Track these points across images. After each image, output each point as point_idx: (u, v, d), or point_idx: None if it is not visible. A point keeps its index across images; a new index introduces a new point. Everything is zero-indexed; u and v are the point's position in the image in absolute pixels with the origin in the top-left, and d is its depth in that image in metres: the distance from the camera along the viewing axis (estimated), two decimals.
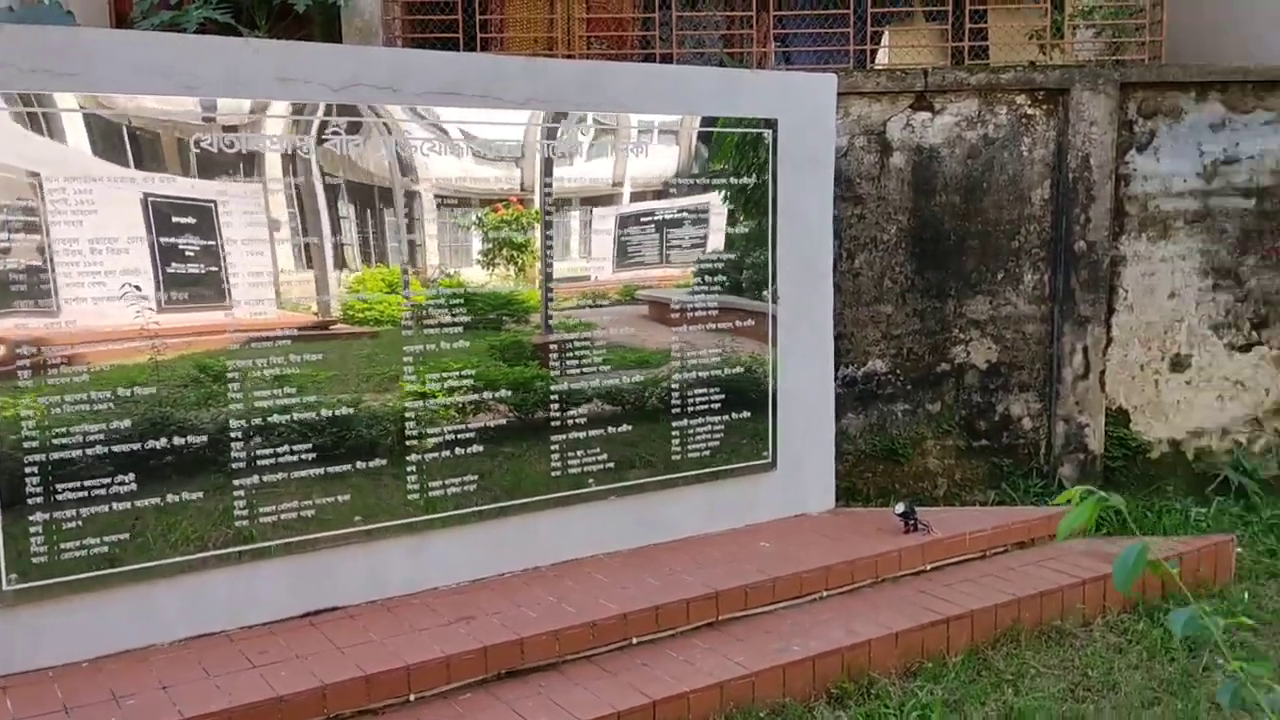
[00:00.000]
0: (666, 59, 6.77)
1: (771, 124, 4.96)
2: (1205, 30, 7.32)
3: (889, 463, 6.28)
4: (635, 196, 4.74)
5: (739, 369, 5.00)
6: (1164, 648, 4.34)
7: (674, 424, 4.82)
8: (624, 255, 4.74)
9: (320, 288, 4.03)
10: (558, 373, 4.53)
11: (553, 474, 4.53)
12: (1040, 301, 6.27)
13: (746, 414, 5.02)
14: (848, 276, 6.18)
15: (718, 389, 4.93)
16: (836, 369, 6.18)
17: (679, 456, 4.83)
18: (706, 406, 4.90)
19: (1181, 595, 4.89)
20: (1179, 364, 6.31)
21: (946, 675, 4.09)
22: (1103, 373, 6.25)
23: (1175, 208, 6.23)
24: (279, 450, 3.93)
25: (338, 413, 4.03)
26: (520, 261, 4.45)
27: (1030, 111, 6.18)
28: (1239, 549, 5.42)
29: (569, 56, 6.55)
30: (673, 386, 4.82)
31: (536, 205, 4.45)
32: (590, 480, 4.61)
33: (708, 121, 4.83)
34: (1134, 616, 4.69)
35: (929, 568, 4.82)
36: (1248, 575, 5.19)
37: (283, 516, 3.96)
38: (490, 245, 4.37)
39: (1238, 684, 1.71)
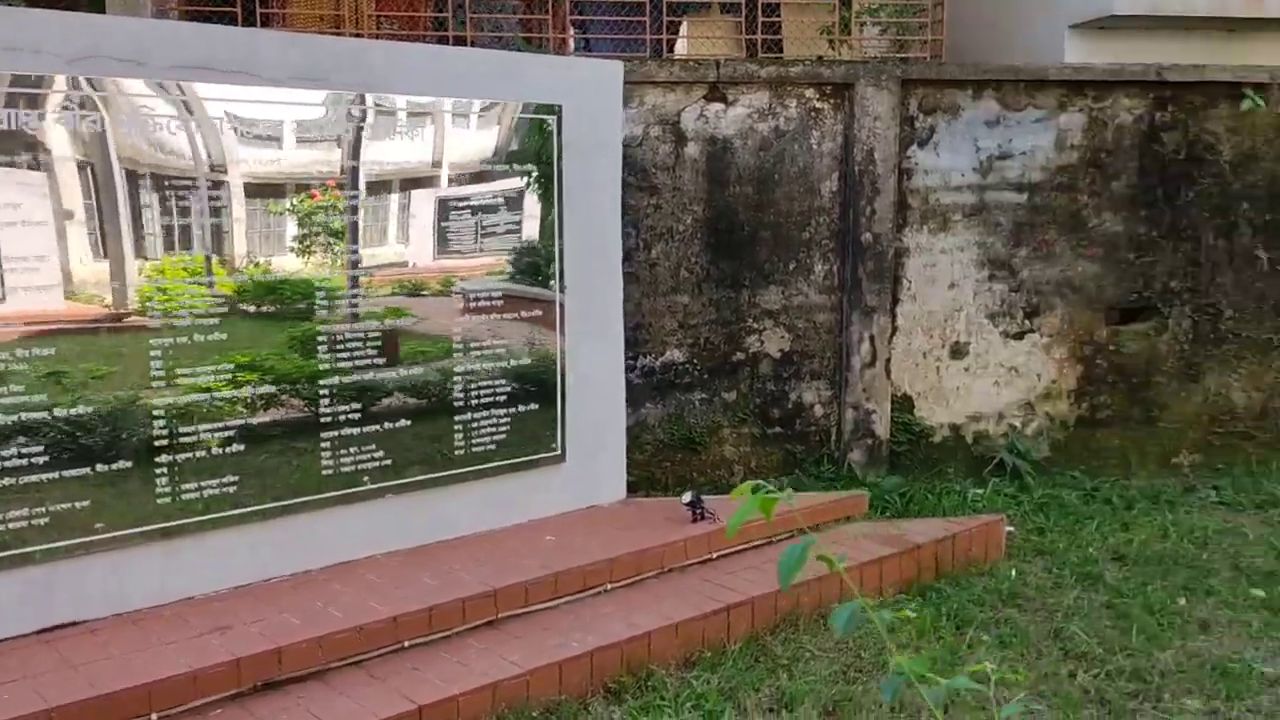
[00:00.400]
0: (460, 43, 6.59)
1: (555, 110, 4.87)
2: (984, 29, 7.68)
3: (687, 451, 6.31)
4: (411, 183, 4.56)
5: (526, 360, 4.89)
6: (933, 627, 4.49)
7: (457, 418, 4.68)
8: (402, 243, 4.56)
9: (66, 276, 3.70)
10: (327, 366, 4.31)
11: (324, 473, 4.31)
12: (830, 291, 6.42)
13: (534, 406, 4.92)
14: (645, 267, 6.16)
15: (503, 381, 4.82)
16: (634, 359, 6.17)
17: (463, 451, 4.69)
18: (492, 399, 4.78)
19: (953, 577, 5.10)
20: (958, 351, 6.58)
21: (725, 663, 4.10)
22: (889, 360, 6.46)
23: (954, 201, 6.48)
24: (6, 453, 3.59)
25: (75, 412, 3.70)
26: (305, 248, 4.21)
27: (819, 105, 6.31)
28: (1010, 528, 5.69)
29: (356, 36, 6.28)
30: (455, 379, 4.67)
31: (294, 189, 4.22)
32: (365, 478, 4.41)
33: (488, 106, 4.70)
34: (909, 597, 4.84)
35: (715, 556, 4.85)
36: (1017, 553, 5.44)
37: (11, 525, 3.61)
38: (237, 230, 4.11)
39: (900, 681, 1.71)
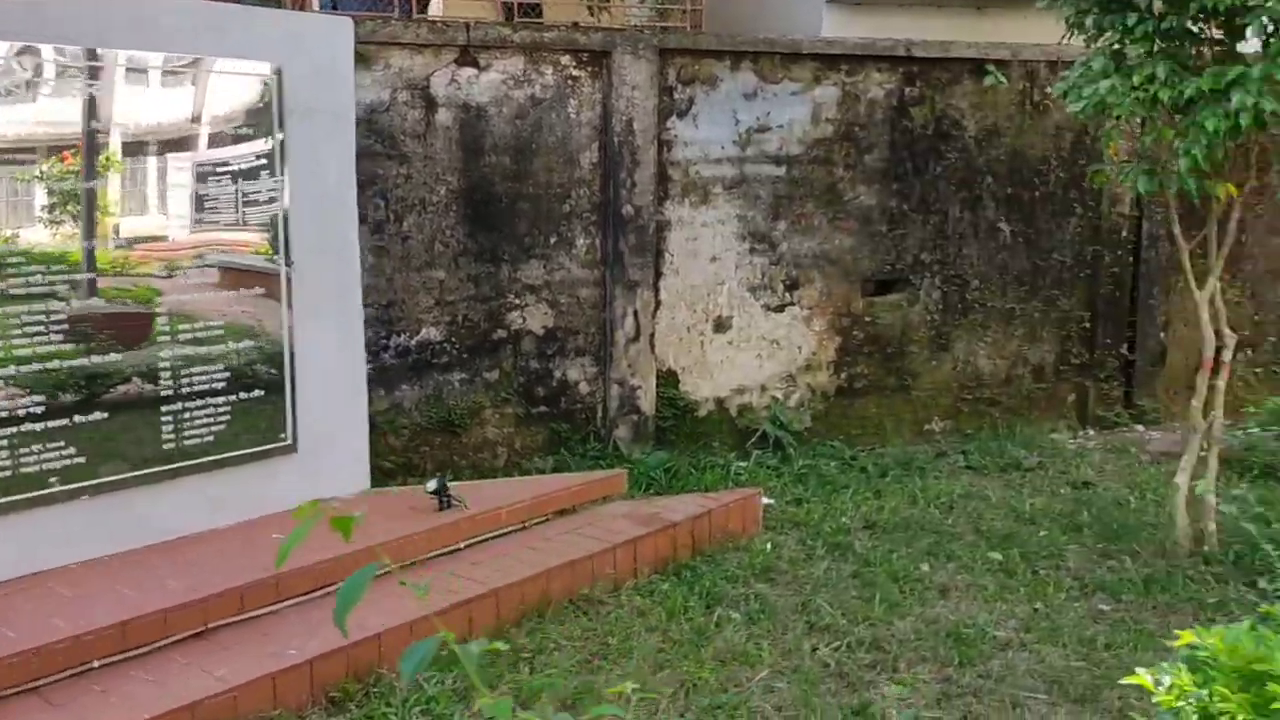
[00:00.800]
0: None
1: (276, 69, 4.45)
2: (746, 2, 7.67)
3: (447, 435, 6.03)
4: (122, 148, 4.06)
5: (247, 342, 4.48)
6: (684, 608, 4.41)
7: (165, 408, 4.23)
8: (109, 213, 4.06)
9: None
10: (1, 354, 3.78)
11: (1, 474, 3.79)
12: (593, 266, 6.25)
13: (259, 392, 4.52)
14: (396, 240, 5.81)
15: (221, 365, 4.39)
16: (387, 338, 5.83)
17: (173, 445, 4.25)
18: (208, 386, 4.35)
19: (710, 553, 5.05)
20: (721, 325, 6.56)
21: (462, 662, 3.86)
22: (653, 335, 6.36)
23: (715, 174, 6.43)
24: None
25: None
26: None
27: (576, 73, 6.10)
28: (768, 500, 5.70)
29: None
30: (162, 364, 4.21)
31: None
32: (53, 479, 3.91)
33: (191, 62, 4.24)
34: (663, 577, 4.75)
35: (464, 545, 4.61)
36: (775, 525, 5.46)
37: None
38: None
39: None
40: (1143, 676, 2.68)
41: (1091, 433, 7.22)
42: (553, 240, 6.15)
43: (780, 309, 6.66)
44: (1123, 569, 4.84)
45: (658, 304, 6.38)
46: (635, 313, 6.28)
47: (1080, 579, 4.75)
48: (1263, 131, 4.31)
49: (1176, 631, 2.67)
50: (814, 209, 6.64)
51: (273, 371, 4.55)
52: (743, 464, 6.35)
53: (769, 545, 5.14)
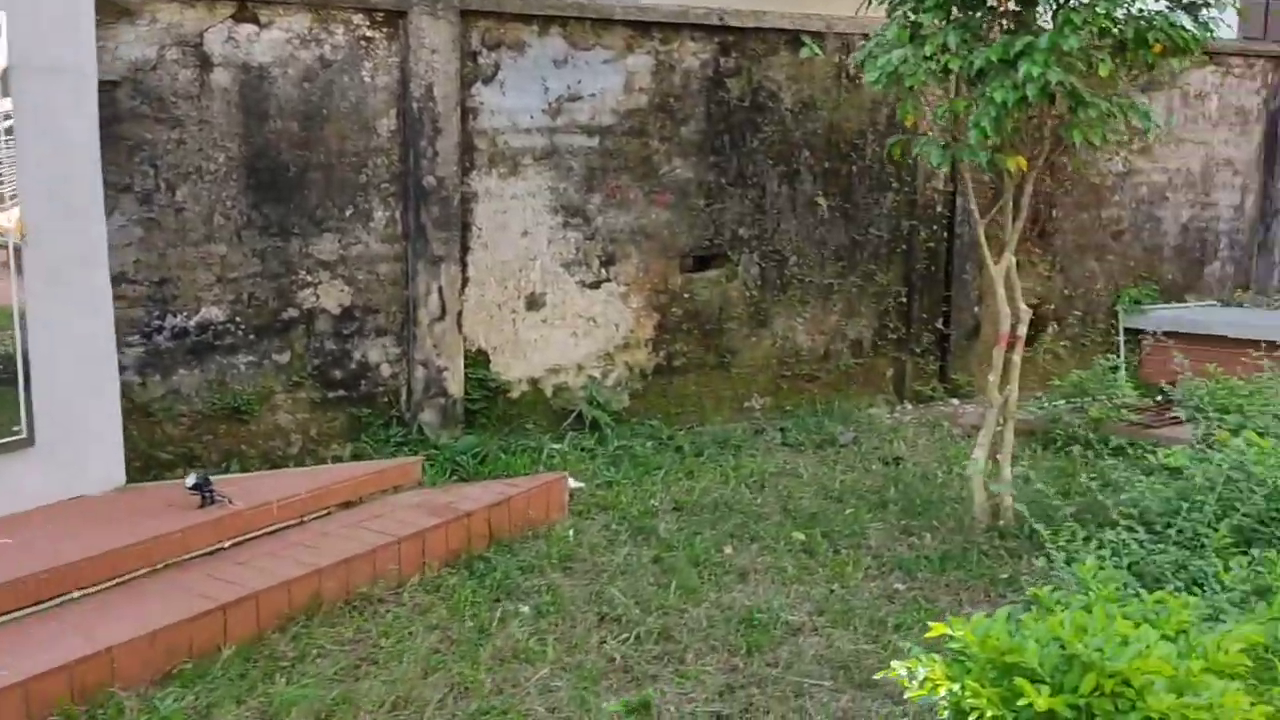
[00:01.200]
0: None
1: None
2: None
3: (234, 422, 5.59)
4: None
5: None
6: (470, 603, 4.15)
7: None
8: None
9: None
10: None
11: None
12: (394, 240, 5.89)
13: None
14: (169, 211, 5.33)
15: None
16: (161, 318, 5.36)
17: None
18: None
19: (508, 543, 4.80)
20: (535, 302, 6.29)
21: (211, 674, 3.52)
22: (460, 313, 6.05)
23: (524, 144, 6.14)
24: None
25: None
26: None
27: (370, 34, 5.71)
28: (577, 484, 5.49)
29: None
30: None
31: None
32: None
33: None
34: (454, 570, 4.48)
35: (228, 545, 4.23)
36: (583, 510, 5.25)
37: None
38: None
39: None
40: (897, 669, 2.56)
41: (909, 407, 7.27)
42: (348, 213, 5.76)
43: (596, 285, 6.44)
44: (922, 546, 4.81)
45: (465, 280, 6.07)
46: (440, 289, 5.95)
47: (880, 557, 4.69)
48: (1053, 104, 4.29)
49: (950, 619, 2.57)
50: (629, 182, 6.43)
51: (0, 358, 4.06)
52: (557, 446, 6.11)
53: (572, 532, 4.93)
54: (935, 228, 7.26)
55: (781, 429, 6.65)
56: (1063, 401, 6.47)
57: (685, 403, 6.75)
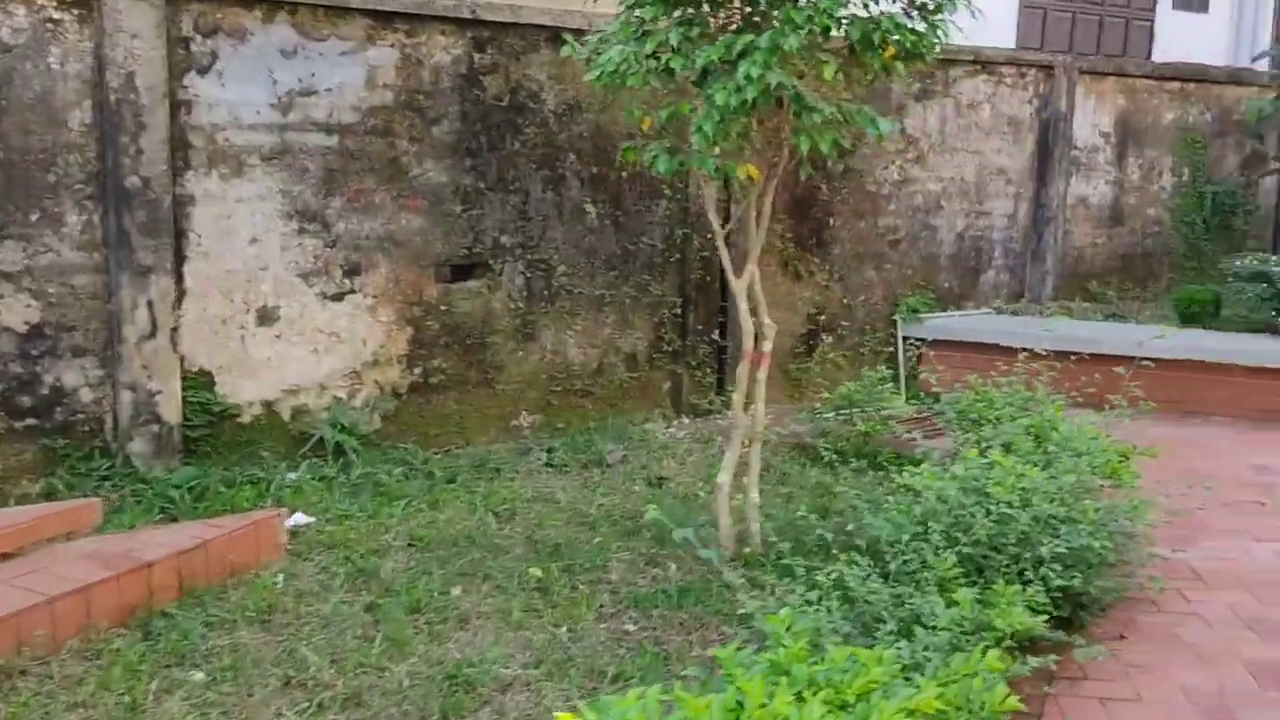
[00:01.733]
0: None
1: None
2: None
3: None
4: None
5: None
6: (133, 672, 3.58)
7: None
8: None
9: None
10: None
11: None
12: (92, 248, 5.22)
13: None
14: None
15: None
16: None
17: None
18: None
19: (202, 594, 4.23)
20: (267, 317, 5.71)
21: None
22: (175, 330, 5.41)
23: (250, 142, 5.55)
24: None
25: None
26: None
27: (58, 16, 5.03)
28: (307, 519, 4.98)
29: None
30: None
31: None
32: None
33: None
34: (126, 630, 3.89)
35: None
36: (304, 549, 4.72)
37: None
38: None
39: None
40: None
41: (685, 421, 7.00)
42: (34, 217, 5.06)
43: (339, 297, 5.90)
44: (665, 578, 4.50)
45: (182, 293, 5.44)
46: (150, 304, 5.30)
47: (618, 593, 4.35)
48: (780, 108, 4.03)
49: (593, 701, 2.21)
50: (375, 184, 5.92)
51: None
52: (293, 476, 5.55)
53: (281, 577, 4.40)
54: (709, 236, 6.99)
55: (549, 449, 6.27)
56: (832, 414, 6.31)
57: (446, 423, 6.29)
